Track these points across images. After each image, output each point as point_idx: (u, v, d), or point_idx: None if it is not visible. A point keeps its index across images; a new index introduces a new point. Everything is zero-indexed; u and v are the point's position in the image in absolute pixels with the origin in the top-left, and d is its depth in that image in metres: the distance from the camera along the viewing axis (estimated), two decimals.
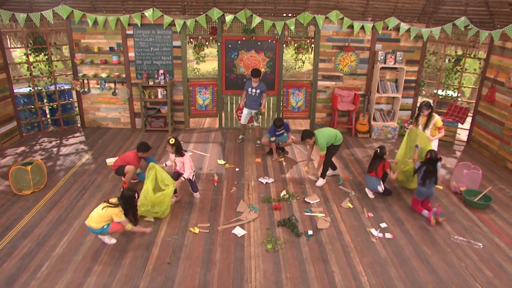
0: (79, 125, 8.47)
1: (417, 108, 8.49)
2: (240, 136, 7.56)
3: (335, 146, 5.81)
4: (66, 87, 8.23)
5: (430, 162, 4.96)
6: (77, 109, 8.46)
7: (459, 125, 7.83)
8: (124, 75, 7.99)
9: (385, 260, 4.23)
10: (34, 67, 7.70)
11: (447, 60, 8.43)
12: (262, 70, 8.07)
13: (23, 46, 7.62)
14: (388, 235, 4.66)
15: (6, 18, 7.05)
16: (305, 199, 5.45)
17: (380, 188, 5.45)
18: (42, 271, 3.91)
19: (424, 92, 8.67)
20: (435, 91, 8.43)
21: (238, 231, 4.65)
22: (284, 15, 7.82)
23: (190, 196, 5.48)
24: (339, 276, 3.96)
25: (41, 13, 7.15)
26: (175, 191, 5.15)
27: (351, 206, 5.33)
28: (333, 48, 7.96)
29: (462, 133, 8.31)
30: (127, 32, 7.69)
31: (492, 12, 7.06)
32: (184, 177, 5.09)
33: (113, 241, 4.36)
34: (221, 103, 8.33)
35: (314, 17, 7.58)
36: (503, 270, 4.14)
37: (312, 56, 8.60)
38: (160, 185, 4.95)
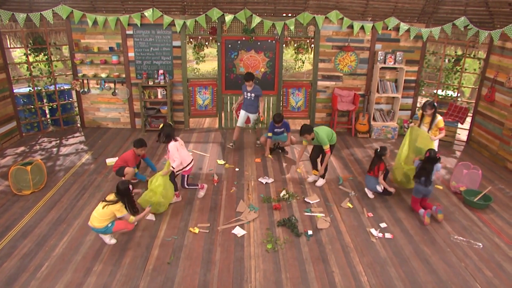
0: (79, 125, 8.47)
1: (418, 108, 8.53)
2: (231, 144, 7.27)
3: (330, 146, 5.77)
4: (66, 87, 8.23)
5: (428, 161, 4.97)
6: (76, 109, 8.47)
7: (459, 125, 7.83)
8: (124, 75, 7.99)
9: (385, 260, 4.23)
10: (34, 67, 7.70)
11: (446, 60, 8.43)
12: (262, 70, 8.08)
13: (22, 46, 7.61)
14: (388, 235, 4.66)
15: (6, 18, 7.05)
16: (305, 199, 5.45)
17: (379, 188, 5.45)
18: (42, 271, 3.91)
19: (424, 92, 8.68)
20: (435, 91, 8.43)
21: (238, 231, 4.65)
22: (284, 15, 7.82)
23: (190, 196, 5.48)
24: (339, 276, 3.96)
25: (40, 13, 7.15)
26: (175, 189, 5.16)
27: (351, 206, 5.33)
28: (333, 48, 7.97)
29: (462, 133, 8.31)
30: (127, 32, 7.69)
31: (492, 12, 7.06)
32: (172, 167, 4.98)
33: (113, 241, 4.36)
34: (221, 103, 8.33)
35: (314, 17, 7.58)
36: (503, 270, 4.14)
37: (312, 56, 8.60)
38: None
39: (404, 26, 7.54)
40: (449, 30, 7.38)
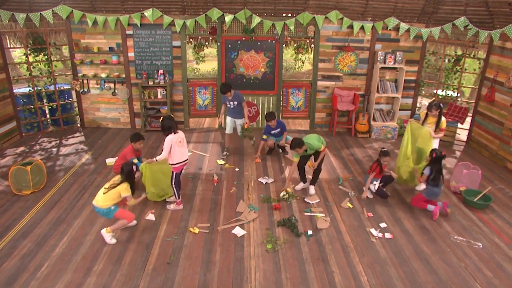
0: (78, 125, 8.47)
1: (418, 107, 8.54)
2: (224, 152, 6.95)
3: (318, 153, 5.57)
4: (65, 87, 8.23)
5: (437, 161, 4.96)
6: (76, 109, 8.47)
7: (459, 125, 7.84)
8: (123, 75, 7.99)
9: (385, 260, 4.23)
10: (33, 67, 7.70)
11: (446, 60, 8.44)
12: (262, 70, 8.08)
13: (22, 46, 7.61)
14: (387, 235, 4.66)
15: (5, 18, 7.04)
16: (305, 199, 5.45)
17: (373, 187, 5.46)
18: (42, 271, 3.90)
19: (423, 92, 8.68)
20: (435, 91, 8.43)
21: (238, 231, 4.65)
22: (284, 15, 7.82)
23: (190, 196, 5.48)
24: (339, 276, 3.96)
25: (40, 13, 7.15)
26: (177, 197, 5.11)
27: (350, 206, 5.33)
28: (332, 48, 7.97)
29: (462, 133, 8.31)
30: (127, 32, 7.69)
31: (492, 12, 7.06)
32: (156, 159, 4.87)
33: (113, 241, 4.36)
34: (220, 103, 8.32)
35: (314, 17, 7.58)
36: (503, 270, 4.14)
37: (311, 56, 8.60)
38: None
39: (404, 26, 7.54)
40: (449, 30, 7.38)
